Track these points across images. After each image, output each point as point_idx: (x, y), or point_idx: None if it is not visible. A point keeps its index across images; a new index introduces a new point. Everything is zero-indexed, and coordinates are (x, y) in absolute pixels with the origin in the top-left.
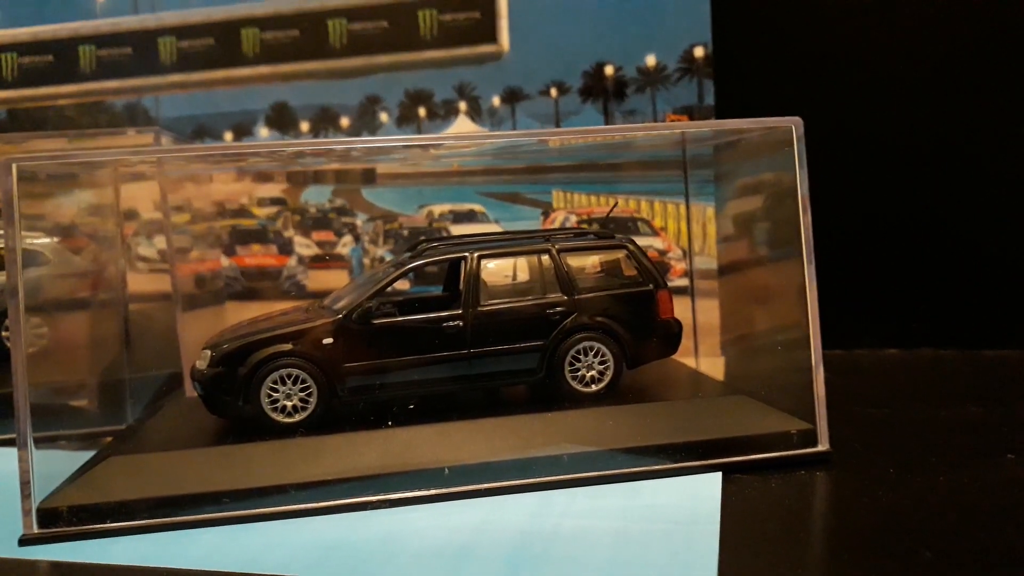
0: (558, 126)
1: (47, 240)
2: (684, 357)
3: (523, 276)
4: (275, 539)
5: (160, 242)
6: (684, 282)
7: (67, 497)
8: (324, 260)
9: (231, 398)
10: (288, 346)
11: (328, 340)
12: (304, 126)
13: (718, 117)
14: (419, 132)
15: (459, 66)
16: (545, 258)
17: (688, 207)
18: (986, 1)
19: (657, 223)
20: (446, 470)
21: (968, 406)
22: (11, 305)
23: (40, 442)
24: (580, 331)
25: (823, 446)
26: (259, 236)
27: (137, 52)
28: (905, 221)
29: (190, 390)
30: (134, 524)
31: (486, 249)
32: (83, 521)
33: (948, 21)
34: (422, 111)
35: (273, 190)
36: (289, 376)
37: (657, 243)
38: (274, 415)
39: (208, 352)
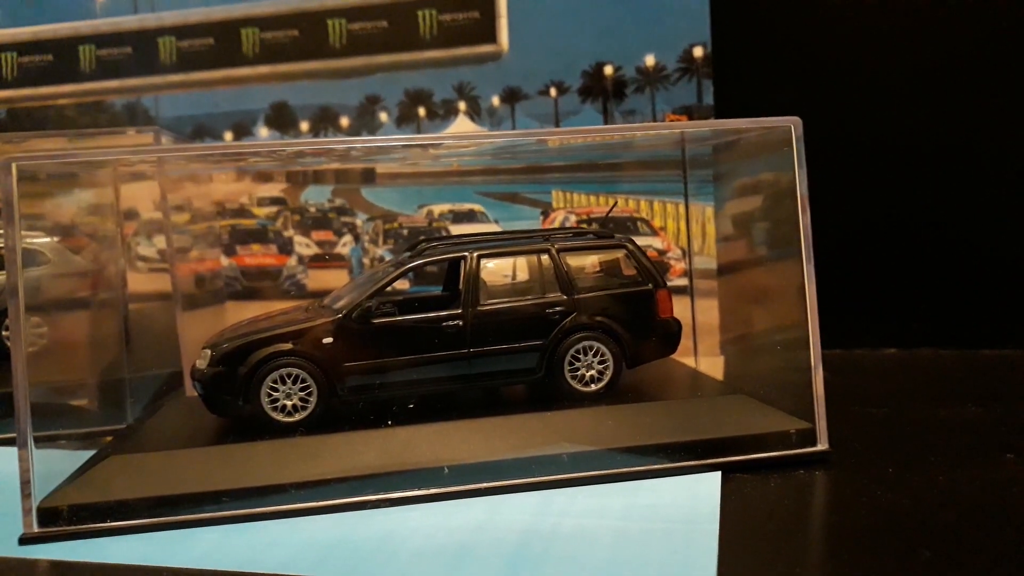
0: (557, 126)
1: (47, 240)
2: (683, 357)
3: (522, 276)
4: (275, 538)
5: (160, 242)
6: (683, 282)
7: (67, 496)
8: (324, 260)
9: (231, 397)
10: (288, 345)
11: (328, 339)
12: (304, 126)
13: (717, 117)
14: (419, 132)
15: (459, 66)
16: (544, 258)
17: (687, 207)
18: (986, 1)
19: (656, 223)
20: (446, 469)
21: (967, 405)
22: (11, 304)
23: (40, 441)
24: (579, 331)
25: (822, 445)
26: (259, 236)
27: (137, 52)
28: (904, 221)
29: (190, 389)
30: (134, 523)
31: (486, 249)
32: (83, 520)
33: (948, 21)
34: (422, 111)
35: (273, 190)
36: (289, 375)
37: (656, 243)
38: (274, 414)
39: (208, 351)
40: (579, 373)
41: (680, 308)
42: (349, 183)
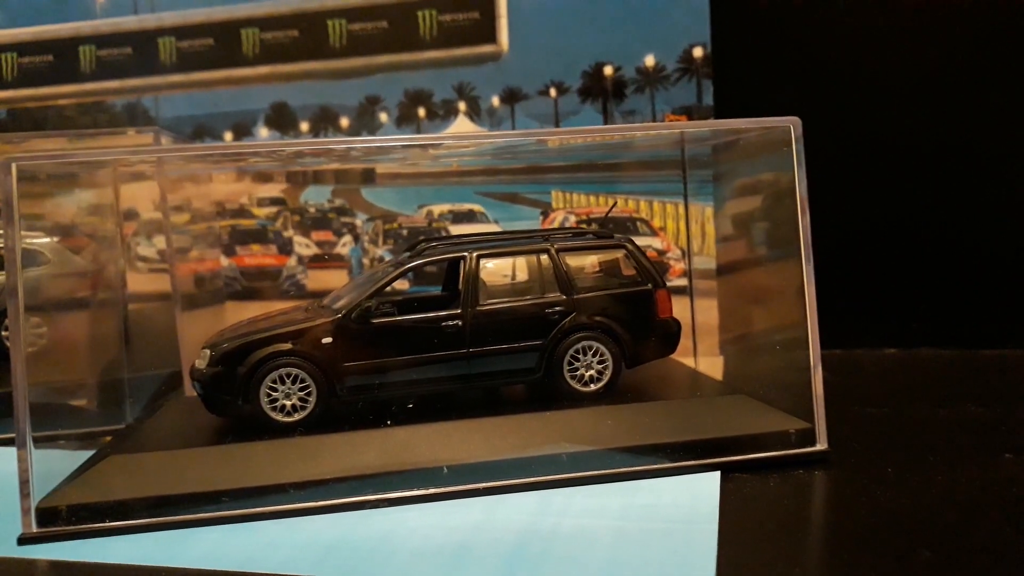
0: (557, 126)
1: (47, 240)
2: (683, 357)
3: (522, 276)
4: (274, 538)
5: (160, 242)
6: (683, 282)
7: (66, 496)
8: (323, 260)
9: (230, 397)
10: (287, 345)
11: (327, 339)
12: (304, 126)
13: (717, 117)
14: (418, 132)
15: (458, 66)
16: (544, 258)
17: (687, 207)
18: (986, 1)
19: (656, 223)
20: (445, 469)
21: (967, 405)
22: (10, 304)
23: (39, 441)
24: (579, 330)
25: (822, 445)
26: (259, 236)
27: (137, 52)
28: (904, 221)
29: (189, 389)
30: (133, 523)
31: (485, 249)
32: (82, 520)
33: (947, 21)
34: (421, 111)
35: (272, 190)
36: (288, 375)
37: (656, 243)
38: (273, 414)
39: (207, 351)
40: (578, 373)
41: (680, 308)
42: (349, 183)
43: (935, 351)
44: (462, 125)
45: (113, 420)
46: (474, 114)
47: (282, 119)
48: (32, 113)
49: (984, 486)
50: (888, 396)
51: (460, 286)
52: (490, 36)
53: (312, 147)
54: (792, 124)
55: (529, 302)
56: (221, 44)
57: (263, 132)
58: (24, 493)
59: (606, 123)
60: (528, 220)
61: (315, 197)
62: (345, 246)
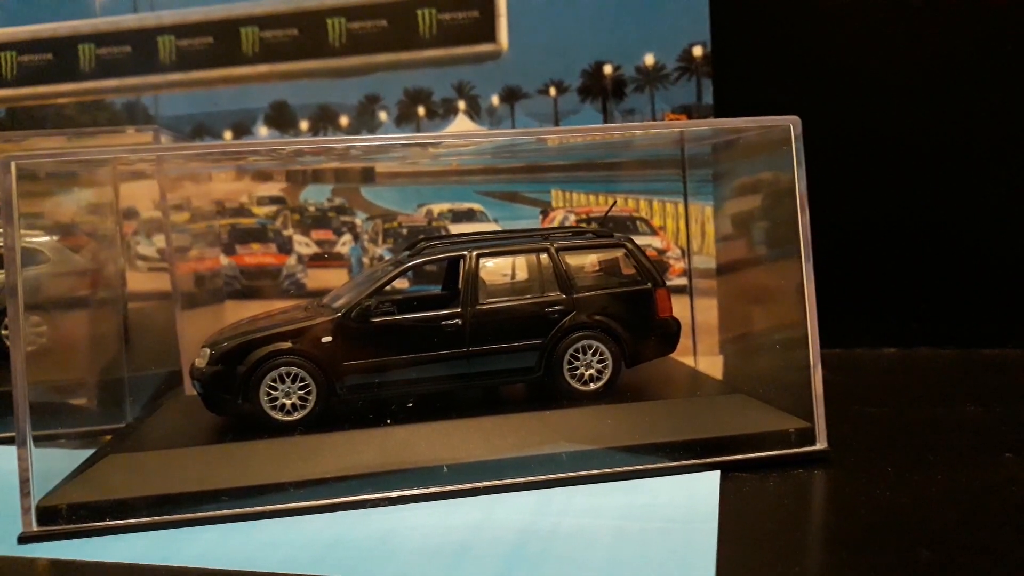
0: (557, 125)
1: (46, 238)
2: (683, 356)
3: (522, 275)
4: (274, 537)
5: (159, 241)
6: (683, 281)
7: (66, 495)
8: (323, 259)
9: (230, 396)
10: (287, 344)
11: (327, 338)
12: (303, 125)
13: (716, 116)
14: (418, 131)
15: (458, 65)
16: (544, 257)
17: (687, 206)
18: (986, 1)
19: (656, 222)
20: (445, 468)
21: (966, 405)
22: (10, 303)
23: (39, 440)
24: (579, 330)
25: (821, 445)
26: (258, 235)
27: (136, 51)
28: (903, 220)
29: (189, 388)
30: (133, 522)
31: (485, 248)
32: (82, 519)
33: (947, 21)
34: (421, 110)
35: (272, 189)
36: (288, 374)
37: (656, 242)
38: (273, 413)
39: (207, 350)
40: (578, 372)
41: (679, 307)
42: (348, 182)
43: (935, 350)
44: (462, 124)
45: (113, 419)
46: (474, 113)
47: (282, 118)
48: (31, 112)
49: (984, 486)
50: (888, 395)
51: (460, 285)
52: (490, 35)
53: (312, 146)
54: (792, 123)
55: (529, 301)
56: (220, 43)
57: (263, 131)
58: (24, 492)
59: (606, 122)
60: (528, 219)
61: (315, 196)
62: (345, 245)
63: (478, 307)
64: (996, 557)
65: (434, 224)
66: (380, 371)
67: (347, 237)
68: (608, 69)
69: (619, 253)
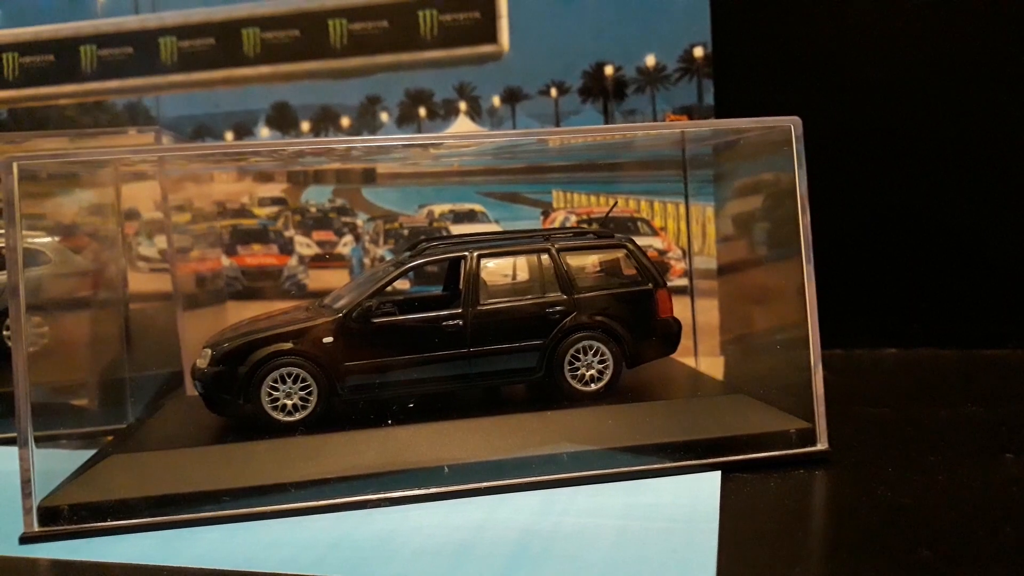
0: (558, 126)
1: (48, 239)
2: (684, 357)
3: (523, 275)
4: (275, 537)
5: (161, 241)
6: (684, 282)
7: (68, 495)
8: (324, 260)
9: (231, 397)
10: (288, 345)
11: (328, 339)
12: (305, 126)
13: (717, 117)
14: (419, 132)
15: (459, 66)
16: (545, 257)
17: (687, 207)
18: (986, 1)
19: (657, 223)
20: (446, 468)
21: (967, 405)
22: (12, 304)
23: (41, 441)
24: (579, 330)
25: (822, 445)
26: (260, 236)
27: (138, 52)
28: (904, 221)
29: (191, 389)
30: (135, 522)
31: (486, 248)
32: (84, 519)
33: (948, 21)
34: (422, 111)
35: (274, 190)
36: (289, 375)
37: (657, 243)
38: (274, 414)
39: (208, 351)
40: (579, 373)
41: (680, 308)
42: (350, 183)
43: (935, 351)
44: (463, 125)
45: (114, 419)
46: (475, 114)
47: (283, 119)
48: (33, 113)
49: (984, 486)
50: (888, 396)
51: (461, 286)
52: (491, 36)
53: (313, 147)
54: (792, 124)
55: (530, 302)
56: (222, 44)
57: (264, 132)
58: (26, 492)
59: (607, 123)
60: (529, 220)
61: (316, 197)
62: (346, 246)
63: (479, 308)
64: (997, 557)
65: (435, 225)
66: (381, 371)
67: (348, 238)
68: (609, 70)
69: (620, 254)
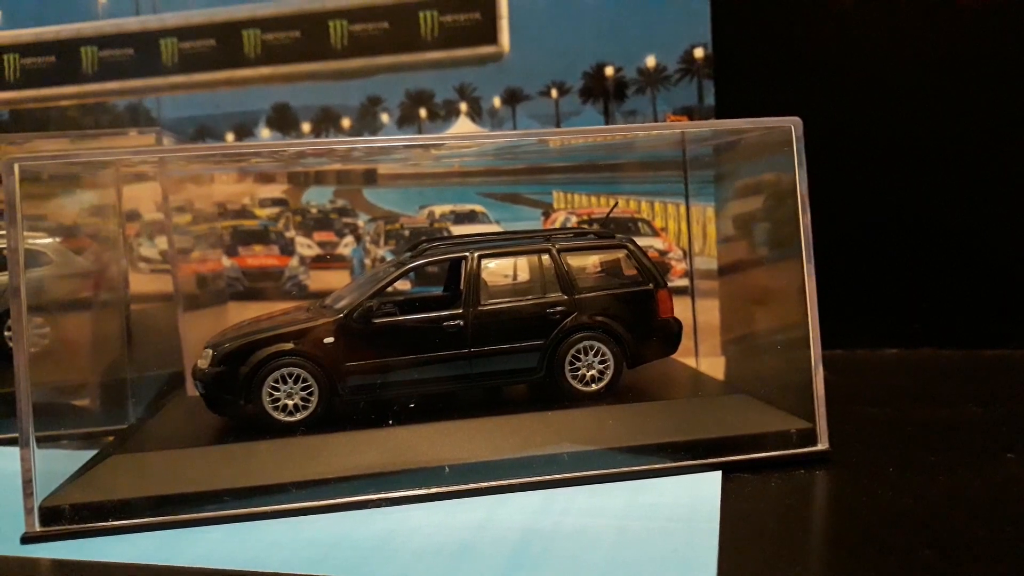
0: (558, 127)
1: (49, 240)
2: (684, 357)
3: (523, 276)
4: (276, 537)
5: (162, 242)
6: (685, 282)
7: (69, 495)
8: (325, 260)
9: (232, 397)
10: (289, 345)
11: (329, 339)
12: (305, 127)
13: (718, 117)
14: (420, 133)
15: (460, 67)
16: (545, 258)
17: (688, 207)
18: (986, 1)
19: (657, 223)
20: (447, 469)
21: (968, 405)
22: (13, 305)
23: (42, 441)
24: (580, 330)
25: (823, 445)
26: (261, 237)
27: (139, 53)
28: (905, 221)
29: (191, 389)
30: (136, 522)
31: (486, 249)
32: (85, 519)
33: (948, 21)
34: (423, 112)
35: (275, 191)
36: (290, 375)
37: (658, 243)
38: (275, 414)
39: (210, 351)
40: (580, 373)
41: (681, 308)
42: (351, 184)
43: (936, 351)
44: (463, 126)
45: (115, 420)
46: (475, 115)
47: (284, 120)
48: (34, 114)
49: (986, 486)
50: (889, 396)
51: (462, 286)
52: (491, 37)
53: (314, 147)
54: (793, 124)
55: (530, 302)
56: (223, 45)
57: (265, 133)
58: (27, 492)
59: (607, 124)
60: (529, 220)
61: (317, 198)
62: (347, 247)
63: (480, 308)
64: (998, 557)
65: (436, 226)
66: (382, 372)
67: (349, 239)
68: (609, 71)
69: (621, 254)
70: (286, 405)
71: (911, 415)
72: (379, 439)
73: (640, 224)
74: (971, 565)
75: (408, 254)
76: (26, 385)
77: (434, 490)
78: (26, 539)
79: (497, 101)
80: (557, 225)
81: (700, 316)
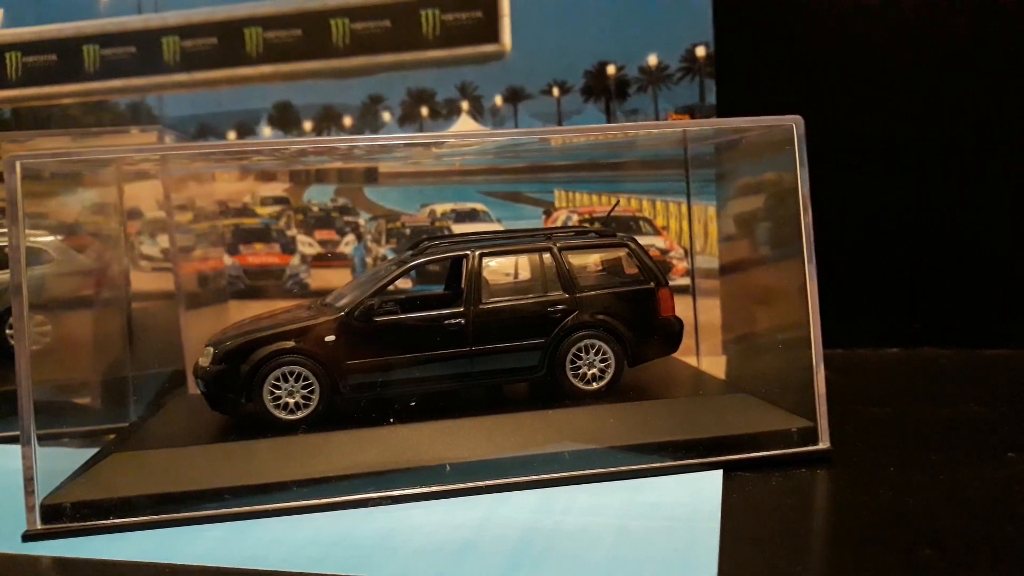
0: (560, 125)
1: (51, 238)
2: (685, 356)
3: (524, 274)
4: (277, 535)
5: (163, 241)
6: (686, 281)
7: (70, 493)
8: (327, 259)
9: (234, 395)
10: (291, 343)
11: (330, 337)
12: (307, 125)
13: (719, 116)
14: (421, 131)
15: (461, 65)
16: (546, 256)
17: (689, 206)
18: (986, 1)
19: (659, 222)
20: (448, 467)
21: (969, 405)
22: (15, 303)
23: (44, 439)
24: (581, 329)
25: (824, 444)
26: (262, 235)
27: (141, 51)
28: (906, 220)
29: (193, 388)
30: (137, 520)
31: (488, 247)
32: (86, 517)
33: (948, 21)
34: (424, 110)
35: (276, 189)
36: (291, 373)
37: (659, 242)
38: (276, 412)
39: (211, 349)
40: (581, 371)
41: (682, 307)
42: (352, 182)
43: (937, 351)
44: (465, 124)
45: (117, 418)
46: (477, 113)
47: (285, 118)
48: (36, 112)
49: (986, 485)
50: (890, 395)
51: (463, 284)
52: (493, 35)
53: (315, 146)
54: (794, 123)
55: (532, 300)
56: (224, 43)
57: (266, 131)
58: (28, 490)
59: (609, 122)
60: (531, 219)
61: (318, 196)
62: (348, 245)
63: (481, 306)
64: (998, 556)
65: (437, 224)
66: (383, 370)
67: (350, 237)
68: (611, 69)
69: (622, 253)
70: (287, 403)
71: (912, 414)
72: (380, 437)
73: (641, 223)
74: (971, 565)
75: (409, 252)
76: (27, 383)
77: (435, 488)
78: (27, 537)
79: (499, 100)
80: (558, 224)
81: (701, 315)
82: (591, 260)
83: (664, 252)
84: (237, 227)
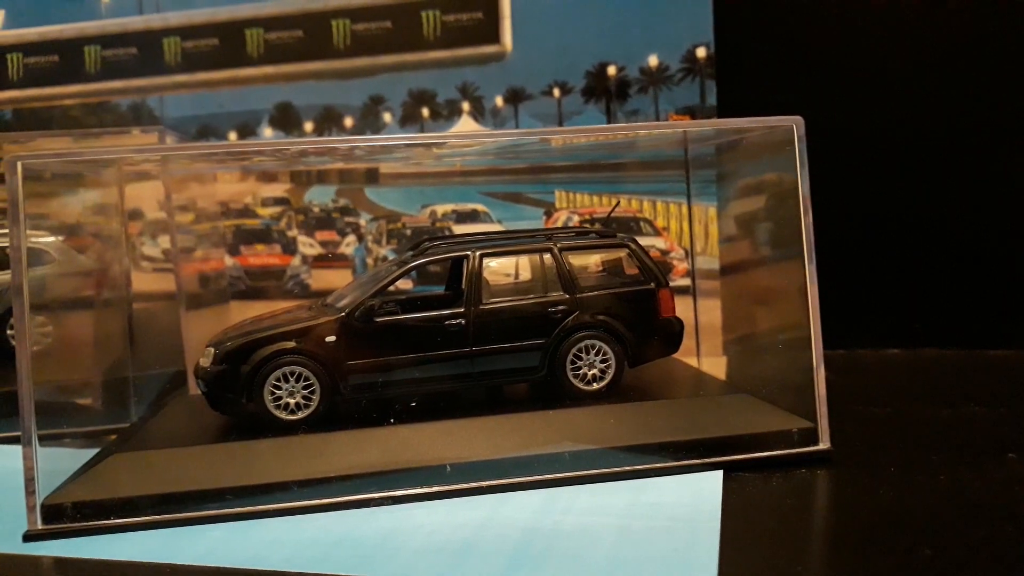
0: (560, 126)
1: (52, 239)
2: (686, 356)
3: (525, 275)
4: (278, 535)
5: (164, 241)
6: (686, 282)
7: (71, 494)
8: (327, 259)
9: (234, 395)
10: (291, 344)
11: (331, 338)
12: (308, 126)
13: (720, 117)
14: (422, 132)
15: (462, 66)
16: (547, 257)
17: (690, 207)
18: (986, 1)
19: (660, 223)
20: (448, 467)
21: (970, 405)
22: (16, 303)
23: (45, 439)
24: (582, 329)
25: (824, 444)
26: (263, 236)
27: (142, 52)
28: (907, 220)
29: (194, 388)
30: (138, 520)
31: (488, 248)
32: (87, 517)
33: (949, 21)
34: (425, 111)
35: (277, 190)
36: (292, 374)
37: (660, 243)
38: (277, 412)
39: (212, 350)
40: (581, 372)
41: (683, 308)
42: (353, 183)
43: (938, 351)
44: (466, 125)
45: (118, 418)
46: (478, 114)
47: (286, 119)
48: (37, 113)
49: (987, 486)
50: (891, 396)
51: (463, 285)
52: (494, 36)
53: (316, 146)
54: (795, 123)
55: (532, 301)
56: (226, 44)
57: (267, 132)
58: (29, 490)
59: (609, 123)
60: (531, 220)
61: (319, 197)
62: (349, 246)
63: (481, 307)
64: (998, 556)
65: (438, 225)
66: (384, 370)
67: (351, 238)
68: (612, 70)
69: (622, 253)
70: (288, 404)
71: (912, 415)
72: (381, 438)
73: (642, 223)
74: (972, 565)
75: (410, 253)
76: (29, 384)
77: (436, 489)
78: (28, 537)
79: (499, 100)
80: (559, 224)
81: (702, 316)
82: (592, 261)
83: (664, 253)
84: (238, 228)
